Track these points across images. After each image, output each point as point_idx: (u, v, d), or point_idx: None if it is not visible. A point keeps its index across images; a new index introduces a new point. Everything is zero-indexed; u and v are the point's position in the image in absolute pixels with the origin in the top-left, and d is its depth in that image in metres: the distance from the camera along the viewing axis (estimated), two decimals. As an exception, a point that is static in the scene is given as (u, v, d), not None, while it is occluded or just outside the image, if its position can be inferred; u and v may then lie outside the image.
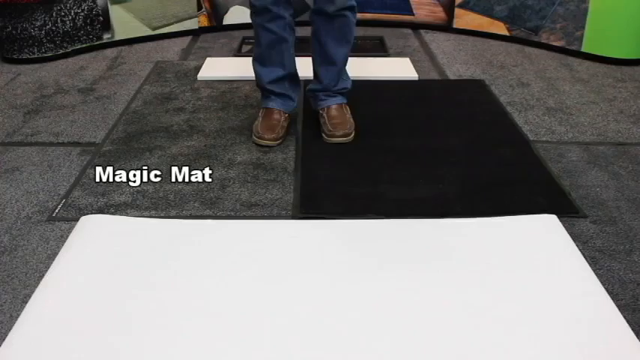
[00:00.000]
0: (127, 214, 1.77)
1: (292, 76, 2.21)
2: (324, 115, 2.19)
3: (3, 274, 1.52)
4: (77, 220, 1.72)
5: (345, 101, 2.24)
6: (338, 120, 2.16)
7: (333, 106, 2.20)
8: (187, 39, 3.44)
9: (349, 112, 2.23)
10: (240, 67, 2.84)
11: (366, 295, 1.42)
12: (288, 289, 1.44)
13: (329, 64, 2.14)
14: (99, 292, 1.43)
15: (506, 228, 1.68)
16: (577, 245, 1.61)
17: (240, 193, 1.87)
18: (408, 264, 1.53)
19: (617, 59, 2.99)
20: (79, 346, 1.27)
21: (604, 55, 3.01)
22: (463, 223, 1.70)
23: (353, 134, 2.16)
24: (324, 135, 2.16)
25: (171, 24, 3.44)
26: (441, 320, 1.34)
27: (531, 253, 1.57)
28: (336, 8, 2.02)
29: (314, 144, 2.15)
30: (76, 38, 3.14)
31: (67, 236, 1.65)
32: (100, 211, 1.78)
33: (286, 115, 2.20)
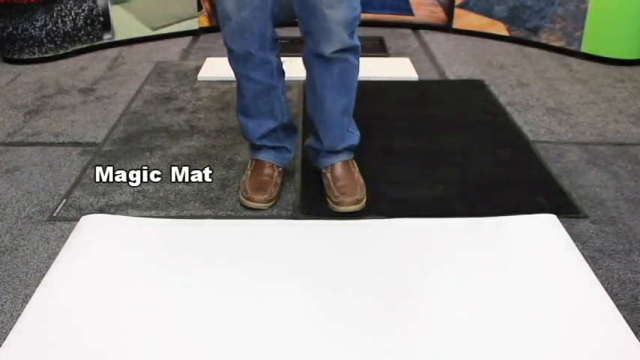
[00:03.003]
0: (127, 214, 1.77)
1: (286, 125, 1.83)
2: (328, 175, 1.80)
3: (4, 274, 1.52)
4: (78, 220, 1.72)
5: (351, 157, 1.86)
6: (345, 182, 1.78)
7: (338, 164, 1.81)
8: (187, 39, 3.44)
9: (357, 169, 1.86)
10: (240, 68, 2.84)
11: (366, 294, 1.42)
12: (288, 289, 1.44)
13: (329, 122, 1.76)
14: (99, 292, 1.43)
15: (506, 228, 1.68)
16: (577, 245, 1.62)
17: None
18: (408, 264, 1.53)
19: (616, 59, 3.00)
20: (79, 346, 1.27)
21: (603, 55, 3.02)
22: (463, 223, 1.70)
23: (365, 199, 1.77)
24: (330, 202, 1.77)
25: (172, 24, 3.44)
26: (441, 320, 1.35)
27: (531, 253, 1.58)
28: (335, 49, 1.61)
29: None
30: (76, 38, 3.14)
31: (68, 236, 1.66)
32: (101, 211, 1.78)
33: (280, 169, 1.85)
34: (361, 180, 1.82)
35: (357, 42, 1.66)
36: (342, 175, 1.80)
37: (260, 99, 1.74)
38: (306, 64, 1.71)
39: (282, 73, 1.77)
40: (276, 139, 1.83)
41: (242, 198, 1.79)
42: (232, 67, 1.71)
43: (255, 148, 1.86)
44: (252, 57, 1.65)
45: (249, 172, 1.84)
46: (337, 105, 1.73)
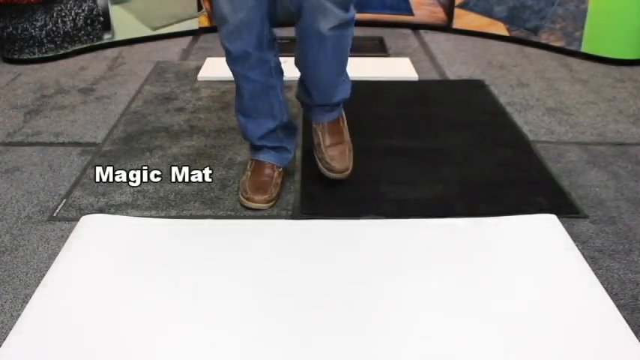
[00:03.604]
0: (127, 214, 1.77)
1: (286, 125, 1.84)
2: (319, 133, 1.85)
3: (4, 274, 1.52)
4: (78, 220, 1.72)
5: (341, 112, 1.90)
6: (335, 140, 1.85)
7: (328, 124, 1.85)
8: (187, 39, 3.44)
9: (345, 124, 1.92)
10: (240, 68, 2.84)
11: (366, 295, 1.42)
12: (288, 289, 1.44)
13: (323, 85, 1.77)
14: (99, 292, 1.43)
15: (506, 228, 1.68)
16: (577, 245, 1.62)
17: (241, 193, 1.88)
18: (407, 264, 1.53)
19: (616, 59, 3.00)
20: (79, 346, 1.27)
21: (603, 55, 3.02)
22: (463, 223, 1.70)
23: (351, 165, 1.87)
24: (320, 165, 1.85)
25: (172, 24, 3.44)
26: (441, 320, 1.35)
27: (531, 253, 1.58)
28: (332, 25, 1.57)
29: (314, 144, 2.15)
30: (76, 38, 3.14)
31: (68, 236, 1.66)
32: (101, 211, 1.78)
33: (280, 169, 1.86)
34: (348, 137, 1.89)
35: (352, 14, 1.62)
36: (333, 136, 1.84)
37: (258, 99, 1.74)
38: (298, 38, 1.67)
39: (281, 72, 1.77)
40: (276, 139, 1.84)
41: (242, 198, 1.79)
42: (230, 68, 1.70)
43: (255, 148, 1.87)
44: (249, 57, 1.64)
45: (249, 172, 1.85)
46: (332, 74, 1.74)
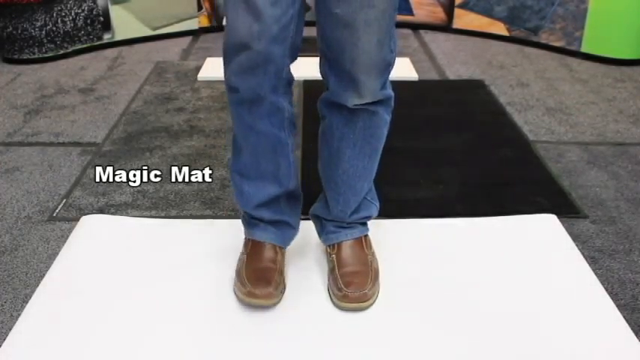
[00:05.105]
0: (127, 214, 1.77)
1: (291, 193, 1.42)
2: (333, 257, 1.43)
3: (4, 274, 1.52)
4: (78, 220, 1.72)
5: (365, 232, 1.48)
6: (353, 268, 1.39)
7: (347, 243, 1.44)
8: (187, 39, 3.45)
9: (372, 248, 1.48)
10: (240, 68, 2.83)
11: (366, 294, 1.42)
12: (287, 289, 1.44)
13: (343, 186, 1.40)
14: (99, 292, 1.43)
15: (506, 228, 1.68)
16: (577, 245, 1.62)
17: (241, 193, 1.87)
18: (407, 264, 1.53)
19: (616, 59, 3.00)
20: (79, 346, 1.27)
21: (603, 55, 3.02)
22: (463, 223, 1.70)
23: (376, 295, 1.39)
24: (331, 296, 1.39)
25: (172, 24, 3.45)
26: (441, 320, 1.35)
27: (531, 253, 1.58)
28: (362, 102, 1.28)
29: (314, 144, 2.14)
30: (76, 38, 3.14)
31: (68, 236, 1.65)
32: (101, 210, 1.78)
33: (283, 250, 1.46)
34: (375, 264, 1.44)
35: (389, 92, 1.35)
36: (351, 259, 1.41)
37: (263, 156, 1.34)
38: (322, 113, 1.37)
39: (293, 124, 1.36)
40: (277, 210, 1.42)
41: (240, 294, 1.36)
42: (233, 111, 1.31)
43: (250, 223, 1.45)
44: (261, 101, 1.26)
45: (245, 256, 1.43)
46: (356, 167, 1.38)
